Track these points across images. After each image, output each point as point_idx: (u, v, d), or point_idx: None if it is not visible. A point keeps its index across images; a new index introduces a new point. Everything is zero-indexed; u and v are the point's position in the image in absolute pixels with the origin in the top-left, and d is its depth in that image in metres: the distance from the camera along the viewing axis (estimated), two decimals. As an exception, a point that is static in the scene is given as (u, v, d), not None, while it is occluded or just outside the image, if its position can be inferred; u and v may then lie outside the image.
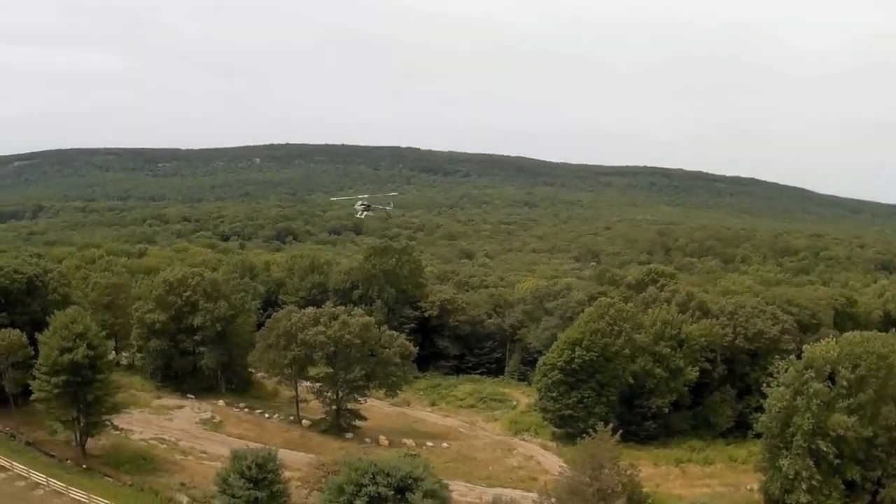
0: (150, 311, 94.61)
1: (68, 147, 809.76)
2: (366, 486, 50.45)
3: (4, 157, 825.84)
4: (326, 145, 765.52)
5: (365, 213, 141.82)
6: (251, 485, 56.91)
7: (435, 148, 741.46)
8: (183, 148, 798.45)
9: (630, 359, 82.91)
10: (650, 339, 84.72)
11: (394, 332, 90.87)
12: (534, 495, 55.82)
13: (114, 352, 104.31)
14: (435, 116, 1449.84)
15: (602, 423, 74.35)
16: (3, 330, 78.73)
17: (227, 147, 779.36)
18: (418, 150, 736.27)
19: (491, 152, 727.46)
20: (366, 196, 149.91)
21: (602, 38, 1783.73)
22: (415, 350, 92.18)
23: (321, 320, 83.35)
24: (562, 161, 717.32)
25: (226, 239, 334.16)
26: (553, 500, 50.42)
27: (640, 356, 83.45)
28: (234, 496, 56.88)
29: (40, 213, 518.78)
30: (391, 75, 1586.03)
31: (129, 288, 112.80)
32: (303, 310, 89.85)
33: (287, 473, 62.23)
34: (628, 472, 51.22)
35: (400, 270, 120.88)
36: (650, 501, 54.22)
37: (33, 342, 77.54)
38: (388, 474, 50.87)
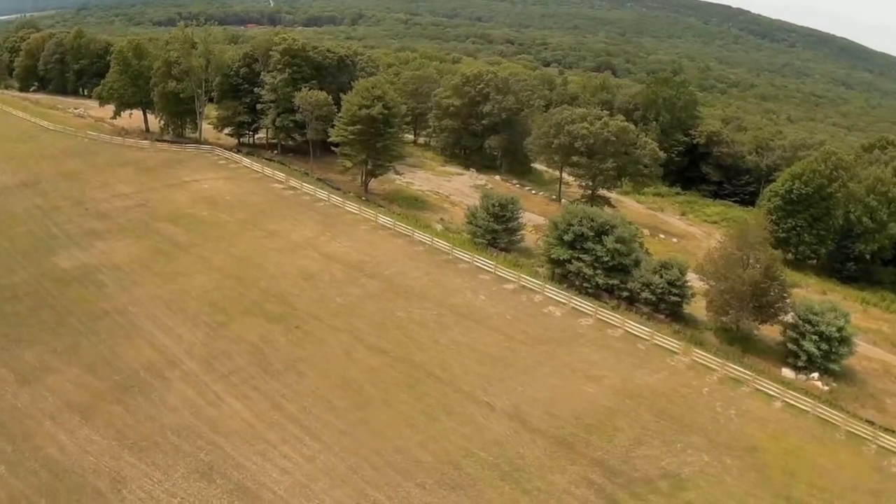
0: (447, 97, 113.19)
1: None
2: (573, 225, 67.46)
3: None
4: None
5: None
6: (492, 219, 75.87)
7: (764, 13, 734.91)
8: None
9: (843, 204, 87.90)
10: (863, 191, 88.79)
11: (648, 140, 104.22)
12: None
13: (413, 132, 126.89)
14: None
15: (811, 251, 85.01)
16: (313, 91, 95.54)
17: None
18: (748, 12, 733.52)
19: (820, 29, 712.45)
20: None
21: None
22: (662, 156, 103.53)
23: (588, 118, 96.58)
24: (884, 51, 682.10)
25: (546, 65, 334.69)
26: (709, 262, 63.84)
27: (851, 203, 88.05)
28: (477, 226, 76.63)
29: (360, 20, 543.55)
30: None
31: (433, 80, 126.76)
32: (574, 109, 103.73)
33: (526, 220, 79.64)
34: (770, 255, 59.85)
35: (676, 100, 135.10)
36: (783, 276, 60.14)
37: (338, 105, 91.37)
38: (591, 219, 67.30)
